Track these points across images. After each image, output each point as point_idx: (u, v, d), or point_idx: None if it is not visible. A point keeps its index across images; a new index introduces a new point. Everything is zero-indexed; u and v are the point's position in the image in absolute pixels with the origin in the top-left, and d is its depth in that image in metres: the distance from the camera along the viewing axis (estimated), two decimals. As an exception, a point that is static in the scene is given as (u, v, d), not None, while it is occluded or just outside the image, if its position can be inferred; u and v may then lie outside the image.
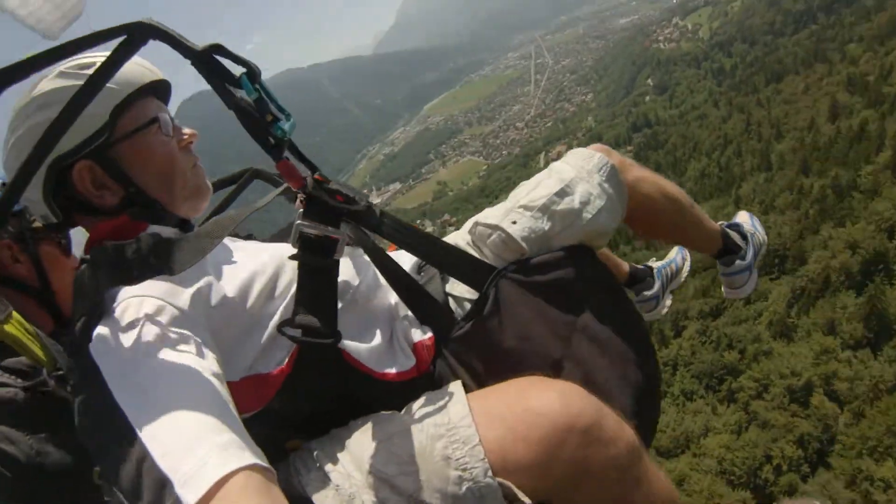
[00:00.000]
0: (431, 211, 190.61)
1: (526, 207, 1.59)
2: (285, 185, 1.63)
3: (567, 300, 1.50)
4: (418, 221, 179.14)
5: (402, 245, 1.46)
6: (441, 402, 1.29)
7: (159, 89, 1.51)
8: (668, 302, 2.82)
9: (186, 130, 1.54)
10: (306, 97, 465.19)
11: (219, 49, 1.18)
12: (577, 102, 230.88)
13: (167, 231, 1.37)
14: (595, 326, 1.50)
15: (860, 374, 44.99)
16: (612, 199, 1.71)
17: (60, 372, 1.32)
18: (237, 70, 1.22)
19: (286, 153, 1.32)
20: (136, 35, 1.11)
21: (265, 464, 0.93)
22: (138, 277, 1.09)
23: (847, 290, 53.59)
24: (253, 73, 1.21)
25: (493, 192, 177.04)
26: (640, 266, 2.75)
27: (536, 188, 1.66)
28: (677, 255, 2.87)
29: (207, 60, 1.18)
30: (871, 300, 48.31)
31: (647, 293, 2.69)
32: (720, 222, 2.42)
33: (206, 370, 1.04)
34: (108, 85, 1.30)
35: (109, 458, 0.93)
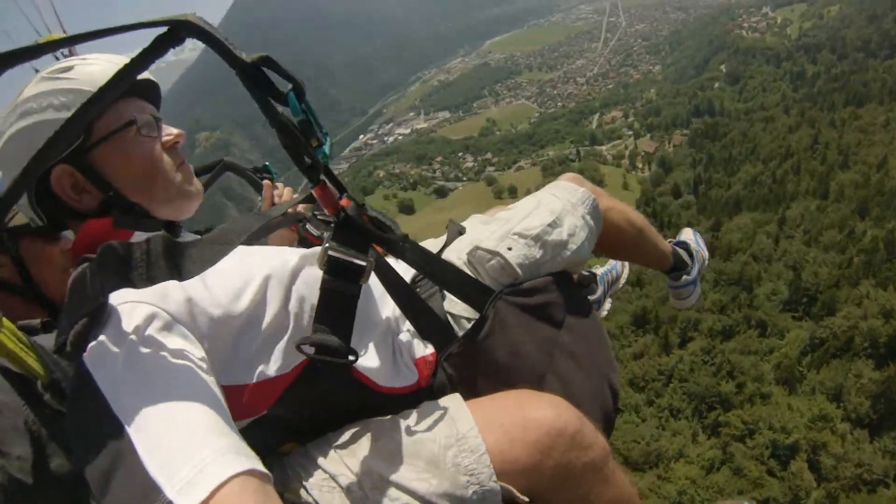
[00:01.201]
0: (475, 146, 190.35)
1: (521, 235, 1.72)
2: (305, 195, 1.70)
3: (551, 320, 1.65)
4: (460, 154, 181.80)
5: (422, 271, 1.58)
6: (448, 415, 1.37)
7: (142, 89, 1.49)
8: (608, 306, 3.14)
9: (172, 130, 1.51)
10: (364, 3, 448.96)
11: (267, 61, 1.13)
12: (642, 70, 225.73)
13: (152, 234, 1.37)
14: (572, 344, 1.66)
15: (850, 456, 41.66)
16: (592, 230, 1.89)
17: (56, 384, 1.24)
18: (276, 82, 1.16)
19: (321, 175, 1.32)
20: (178, 31, 1.05)
21: (262, 468, 0.94)
22: (147, 280, 1.04)
23: (867, 358, 49.31)
24: (301, 90, 1.18)
25: (540, 140, 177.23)
26: (585, 272, 2.96)
27: (529, 217, 1.79)
28: (617, 263, 3.17)
29: (254, 73, 1.13)
30: (889, 380, 44.39)
31: (591, 298, 2.93)
32: (668, 240, 2.71)
33: (198, 375, 1.04)
34: (82, 88, 1.33)
35: (103, 465, 0.92)
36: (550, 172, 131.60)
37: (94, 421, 0.95)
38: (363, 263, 1.33)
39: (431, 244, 1.99)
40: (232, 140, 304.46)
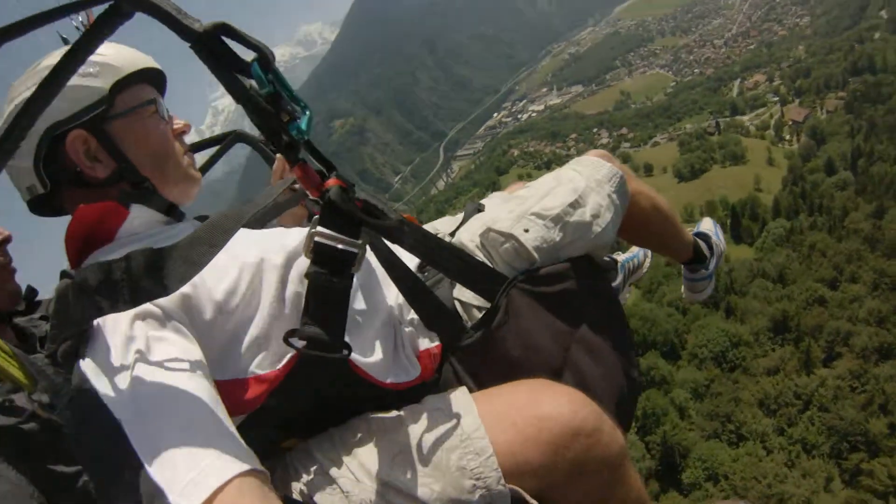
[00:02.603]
0: (610, 121, 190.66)
1: (538, 216, 1.61)
2: (292, 180, 1.59)
3: (569, 311, 1.55)
4: (595, 130, 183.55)
5: (423, 258, 1.45)
6: (453, 413, 1.31)
7: (157, 79, 1.52)
8: (628, 295, 3.10)
9: (180, 120, 1.55)
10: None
11: (225, 29, 1.05)
12: (788, 25, 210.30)
13: (153, 217, 1.42)
14: (591, 337, 1.57)
15: None
16: (618, 210, 1.76)
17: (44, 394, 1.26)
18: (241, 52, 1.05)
19: (302, 152, 1.22)
20: (120, 5, 0.99)
21: (260, 467, 0.94)
22: (131, 303, 1.01)
23: None
24: (266, 59, 1.10)
25: (677, 112, 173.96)
26: (605, 258, 2.84)
27: (548, 196, 1.67)
28: (640, 251, 3.11)
29: (211, 44, 1.06)
30: None
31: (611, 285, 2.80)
32: (688, 228, 2.58)
33: (194, 373, 1.02)
34: (110, 62, 1.36)
35: (102, 471, 0.92)
36: (688, 148, 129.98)
37: (92, 426, 0.96)
38: (354, 250, 1.24)
39: (449, 223, 2.00)
40: (366, 125, 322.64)
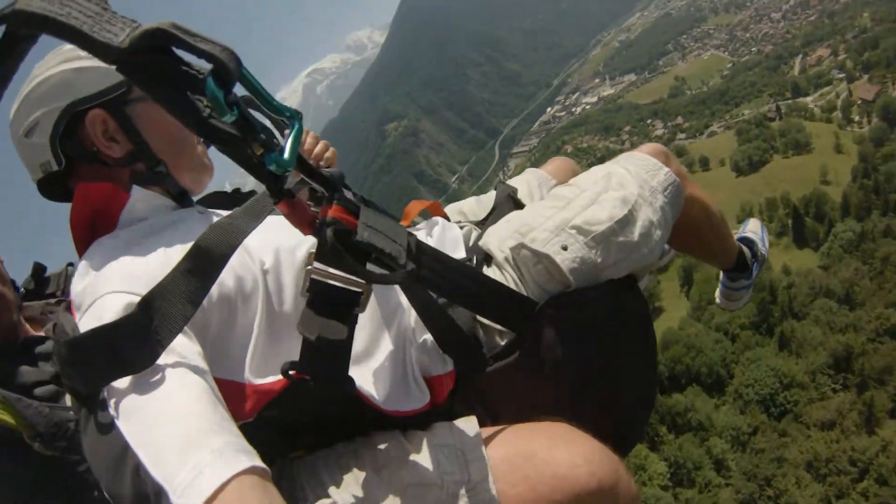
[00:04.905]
0: (664, 110, 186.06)
1: (580, 231, 1.46)
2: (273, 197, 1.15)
3: (601, 341, 1.45)
4: (649, 121, 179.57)
5: (442, 295, 1.34)
6: (461, 454, 1.25)
7: None
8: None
9: None
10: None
11: (164, 37, 0.82)
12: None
13: (157, 200, 1.43)
14: (618, 370, 1.49)
15: None
16: (670, 224, 1.61)
17: (40, 433, 1.28)
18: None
19: (290, 181, 1.05)
20: (14, 29, 0.86)
21: (260, 463, 0.91)
22: (104, 381, 0.97)
23: None
24: (226, 71, 0.84)
25: (734, 97, 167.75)
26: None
27: (595, 206, 1.52)
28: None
29: (145, 60, 0.84)
30: None
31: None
32: (734, 232, 2.48)
33: (190, 369, 1.00)
34: None
35: (105, 471, 0.92)
36: (746, 137, 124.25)
37: (98, 429, 0.95)
38: (357, 290, 1.13)
39: (476, 207, 1.93)
40: (420, 126, 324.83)
